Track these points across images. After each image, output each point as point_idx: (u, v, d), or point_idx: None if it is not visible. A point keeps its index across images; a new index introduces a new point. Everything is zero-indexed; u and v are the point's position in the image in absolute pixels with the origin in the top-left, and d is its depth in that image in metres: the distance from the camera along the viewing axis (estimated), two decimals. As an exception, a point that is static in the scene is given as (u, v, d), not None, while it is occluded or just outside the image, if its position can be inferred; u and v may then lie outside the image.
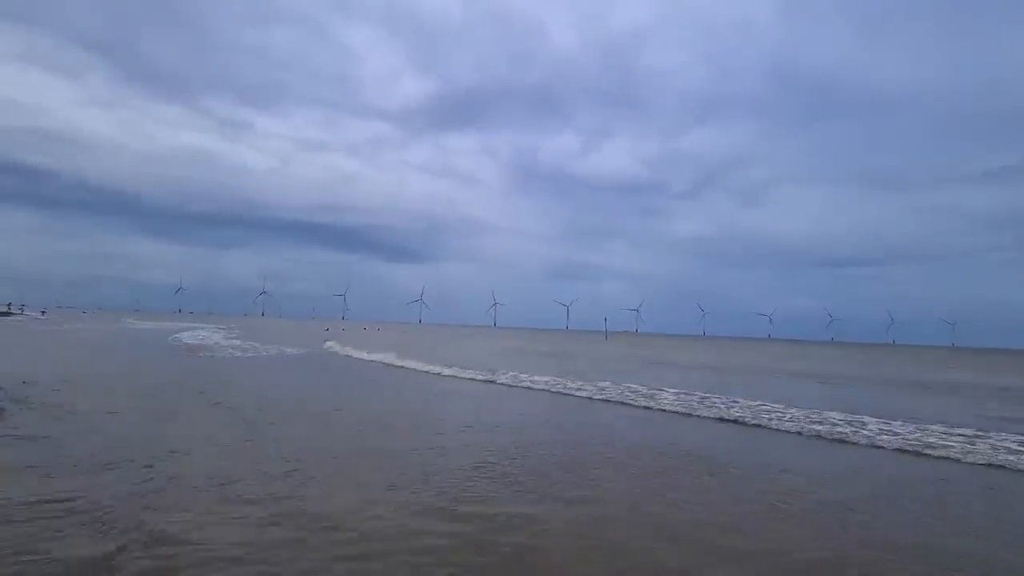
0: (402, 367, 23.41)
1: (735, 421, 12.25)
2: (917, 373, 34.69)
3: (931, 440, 10.29)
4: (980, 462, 8.97)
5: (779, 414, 12.85)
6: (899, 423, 12.07)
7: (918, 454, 9.47)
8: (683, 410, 13.54)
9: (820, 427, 11.38)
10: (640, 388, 16.96)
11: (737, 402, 14.71)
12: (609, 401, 14.99)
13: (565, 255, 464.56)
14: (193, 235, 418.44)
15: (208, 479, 6.24)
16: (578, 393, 16.24)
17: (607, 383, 18.15)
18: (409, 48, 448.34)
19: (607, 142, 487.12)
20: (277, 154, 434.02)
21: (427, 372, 21.55)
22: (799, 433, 11.03)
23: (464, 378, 19.87)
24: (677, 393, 16.13)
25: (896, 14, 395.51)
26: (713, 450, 9.26)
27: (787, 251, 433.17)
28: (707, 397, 15.47)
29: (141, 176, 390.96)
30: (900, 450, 9.70)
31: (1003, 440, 10.44)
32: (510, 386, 17.90)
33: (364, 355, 29.23)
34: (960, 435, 10.80)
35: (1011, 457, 9.14)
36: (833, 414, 12.95)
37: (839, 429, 11.22)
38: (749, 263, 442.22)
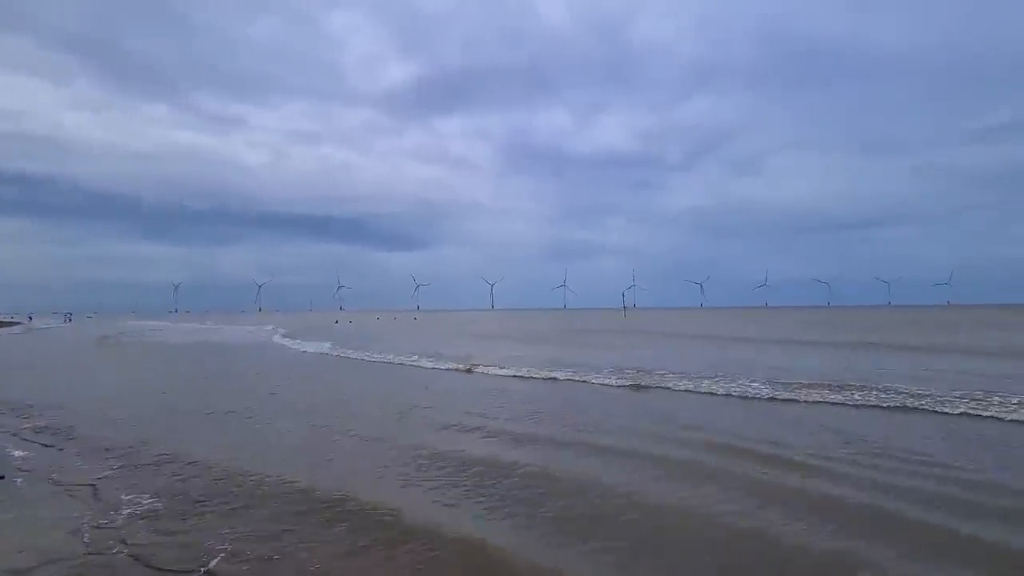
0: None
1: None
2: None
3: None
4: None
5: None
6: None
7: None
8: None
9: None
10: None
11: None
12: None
13: (562, 234, 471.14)
14: (190, 233, 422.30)
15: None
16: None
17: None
18: (394, 31, 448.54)
19: (601, 117, 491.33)
20: (270, 148, 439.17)
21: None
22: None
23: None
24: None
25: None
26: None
27: (784, 219, 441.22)
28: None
29: (134, 177, 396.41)
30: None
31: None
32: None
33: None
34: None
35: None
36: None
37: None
38: (746, 232, 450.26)
